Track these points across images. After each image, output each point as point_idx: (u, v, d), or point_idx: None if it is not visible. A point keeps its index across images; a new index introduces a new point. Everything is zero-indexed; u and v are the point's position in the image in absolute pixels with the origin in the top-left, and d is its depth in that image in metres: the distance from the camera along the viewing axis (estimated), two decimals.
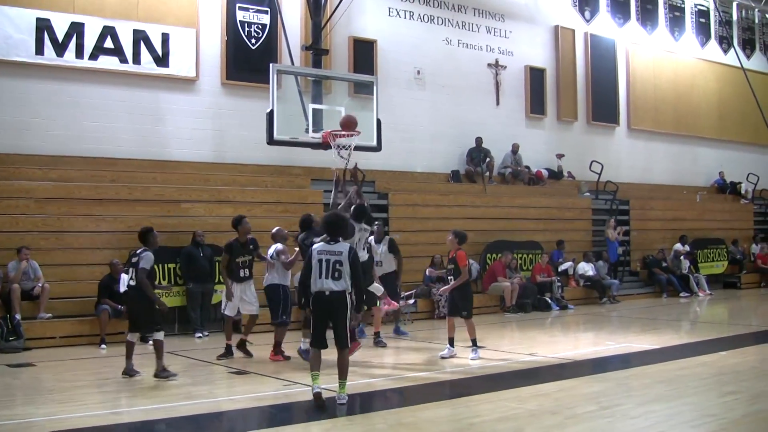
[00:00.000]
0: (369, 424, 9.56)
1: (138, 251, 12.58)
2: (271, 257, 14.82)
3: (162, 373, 12.27)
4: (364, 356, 13.84)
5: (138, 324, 12.80)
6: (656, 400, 10.48)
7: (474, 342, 14.24)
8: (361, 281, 10.73)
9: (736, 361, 13.60)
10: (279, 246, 14.88)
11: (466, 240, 14.64)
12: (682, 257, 28.05)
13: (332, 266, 10.35)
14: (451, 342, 14.33)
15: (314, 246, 10.70)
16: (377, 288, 14.88)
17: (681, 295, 26.89)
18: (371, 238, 16.22)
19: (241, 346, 14.84)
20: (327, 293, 10.31)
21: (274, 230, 15.49)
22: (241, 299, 14.91)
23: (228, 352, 14.70)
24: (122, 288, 15.71)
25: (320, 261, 10.42)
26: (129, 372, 12.48)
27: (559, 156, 29.45)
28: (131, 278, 12.54)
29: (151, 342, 13.46)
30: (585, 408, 10.16)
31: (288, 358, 14.46)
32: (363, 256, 13.85)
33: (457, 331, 14.44)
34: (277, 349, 14.53)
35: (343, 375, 10.36)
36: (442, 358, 14.15)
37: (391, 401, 10.98)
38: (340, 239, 10.76)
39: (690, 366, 13.25)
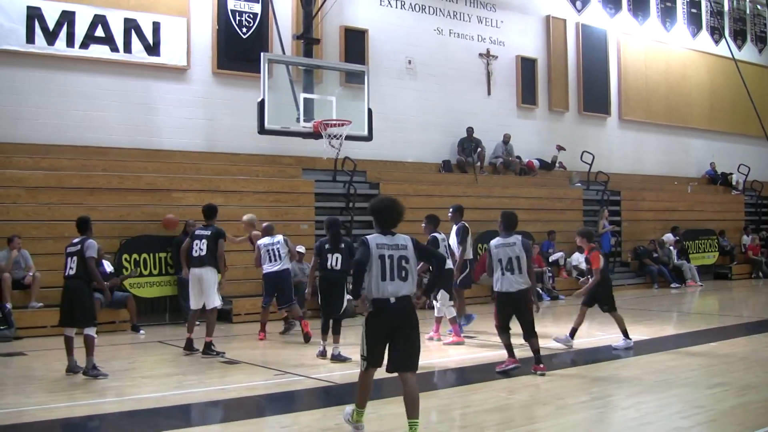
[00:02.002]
0: None
1: (76, 240, 12.04)
2: (283, 245, 15.90)
3: (91, 371, 11.66)
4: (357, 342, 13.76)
5: (74, 316, 11.97)
6: (646, 391, 10.52)
7: (625, 333, 14.18)
8: (443, 268, 9.26)
9: (726, 353, 13.65)
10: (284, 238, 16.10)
11: (593, 237, 14.80)
12: (671, 247, 28.13)
13: (397, 264, 8.24)
14: (573, 333, 14.42)
15: (370, 238, 8.34)
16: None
17: (672, 286, 26.96)
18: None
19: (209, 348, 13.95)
20: (393, 300, 8.14)
21: (266, 224, 16.40)
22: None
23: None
24: (107, 270, 15.84)
25: (382, 258, 8.23)
26: (73, 369, 11.89)
27: (559, 148, 29.36)
28: (71, 267, 11.92)
29: (142, 333, 13.36)
30: (576, 399, 10.19)
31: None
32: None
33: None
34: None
35: (415, 411, 8.03)
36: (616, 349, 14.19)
37: (382, 391, 10.99)
38: (395, 231, 8.50)
39: (680, 357, 13.30)
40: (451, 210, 16.72)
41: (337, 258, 13.68)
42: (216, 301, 14.07)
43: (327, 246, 13.78)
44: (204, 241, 14.08)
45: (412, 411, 7.97)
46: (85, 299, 11.91)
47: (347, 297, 13.67)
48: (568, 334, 14.37)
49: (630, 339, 14.11)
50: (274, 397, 10.73)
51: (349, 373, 12.21)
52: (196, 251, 14.11)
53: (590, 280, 14.38)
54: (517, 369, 11.80)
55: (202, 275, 14.00)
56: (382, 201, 8.67)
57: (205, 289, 14.00)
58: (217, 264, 14.11)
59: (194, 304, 14.25)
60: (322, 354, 13.38)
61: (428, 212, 16.18)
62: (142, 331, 16.89)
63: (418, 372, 8.22)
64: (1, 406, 9.90)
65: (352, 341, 13.48)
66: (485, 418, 9.36)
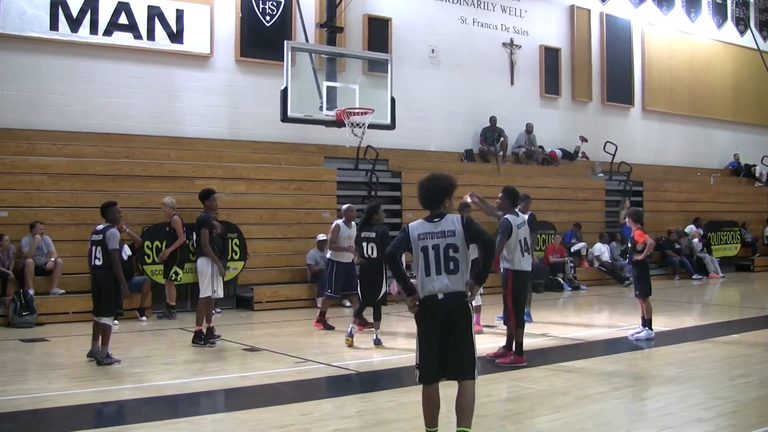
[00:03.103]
0: (380, 401, 9.60)
1: (100, 228, 12.04)
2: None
3: (105, 360, 11.69)
4: (382, 333, 13.77)
5: (100, 305, 11.95)
6: (667, 382, 10.50)
7: (645, 322, 14.18)
8: (491, 264, 7.52)
9: (747, 344, 13.60)
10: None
11: (642, 217, 14.90)
12: (695, 240, 27.99)
13: (444, 254, 7.22)
14: (646, 323, 14.25)
15: (411, 226, 7.47)
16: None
17: (693, 277, 26.84)
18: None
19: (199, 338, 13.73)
20: (441, 297, 7.16)
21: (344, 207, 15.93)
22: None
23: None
24: (123, 258, 15.93)
25: (425, 250, 7.26)
26: (95, 354, 11.87)
27: (582, 139, 29.26)
28: (96, 257, 11.92)
29: (116, 323, 13.38)
30: (596, 389, 10.17)
31: (331, 327, 15.09)
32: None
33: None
34: (320, 318, 15.35)
35: (465, 419, 7.19)
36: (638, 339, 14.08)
37: (402, 380, 11.00)
38: (444, 213, 7.47)
39: (701, 348, 13.25)
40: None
41: (372, 247, 13.60)
42: (206, 291, 13.62)
43: (362, 234, 13.81)
44: (193, 232, 13.97)
45: (463, 419, 7.18)
46: (110, 290, 11.91)
47: (385, 286, 13.72)
48: (644, 327, 14.22)
49: (652, 330, 14.06)
50: (294, 384, 10.73)
51: (370, 361, 12.28)
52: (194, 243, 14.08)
53: (631, 258, 14.40)
54: (523, 367, 11.52)
55: (196, 266, 13.91)
56: (422, 179, 7.67)
57: (199, 280, 13.79)
58: (208, 253, 13.59)
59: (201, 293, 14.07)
60: (350, 336, 13.36)
61: None
62: (144, 318, 16.94)
63: None
64: (23, 391, 9.99)
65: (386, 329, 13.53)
66: (505, 408, 9.36)
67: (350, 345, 13.25)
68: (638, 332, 14.16)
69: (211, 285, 13.58)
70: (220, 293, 13.92)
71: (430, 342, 7.23)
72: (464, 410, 7.18)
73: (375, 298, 13.67)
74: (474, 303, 14.57)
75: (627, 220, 14.84)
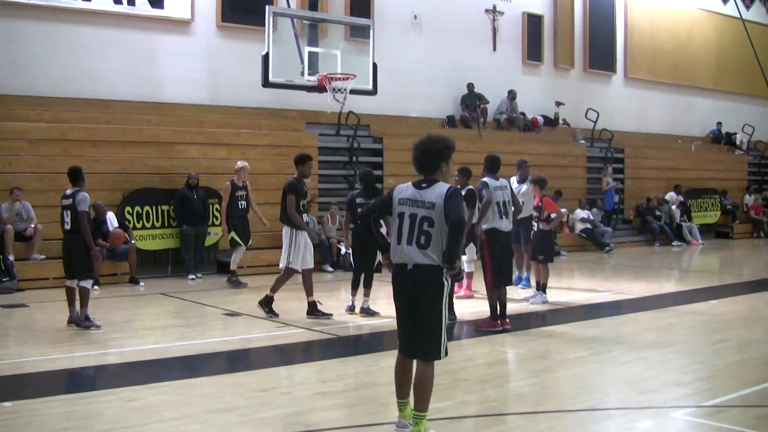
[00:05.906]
0: (360, 365, 9.64)
1: (69, 192, 11.91)
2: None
3: (84, 322, 11.66)
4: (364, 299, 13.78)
5: (73, 268, 11.86)
6: (647, 346, 10.56)
7: (538, 285, 14.49)
8: (457, 245, 6.74)
9: (726, 310, 13.72)
10: None
11: (546, 184, 14.83)
12: (674, 207, 28.10)
13: (418, 226, 6.72)
14: (539, 286, 14.51)
15: (397, 188, 7.01)
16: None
17: (673, 244, 26.98)
18: (513, 178, 16.12)
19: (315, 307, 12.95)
20: (410, 267, 6.74)
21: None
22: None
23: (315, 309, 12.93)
24: (109, 227, 15.83)
25: (401, 216, 6.84)
26: (74, 320, 11.82)
27: (558, 104, 29.35)
28: (66, 222, 11.81)
29: (96, 287, 13.40)
30: (575, 353, 10.24)
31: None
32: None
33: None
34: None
35: (420, 403, 6.79)
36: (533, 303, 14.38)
37: (383, 344, 11.04)
38: (438, 180, 6.87)
39: (680, 314, 13.35)
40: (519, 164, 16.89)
41: None
42: (282, 261, 12.84)
43: (358, 199, 13.36)
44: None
45: (418, 402, 6.77)
46: (81, 252, 11.82)
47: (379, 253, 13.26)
48: (539, 290, 14.39)
49: (545, 294, 14.40)
50: (275, 348, 10.77)
51: (350, 325, 12.30)
52: None
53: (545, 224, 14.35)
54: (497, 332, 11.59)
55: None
56: (417, 141, 7.01)
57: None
58: (293, 219, 12.79)
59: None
60: (351, 309, 13.11)
61: None
62: (141, 284, 16.90)
63: None
64: (3, 356, 9.97)
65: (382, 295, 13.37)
66: (486, 371, 9.41)
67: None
68: (533, 296, 14.50)
69: (287, 255, 12.73)
70: (298, 265, 12.74)
71: (402, 312, 6.92)
72: (419, 393, 6.77)
73: (371, 266, 13.14)
74: (465, 269, 14.56)
75: (531, 187, 14.81)
